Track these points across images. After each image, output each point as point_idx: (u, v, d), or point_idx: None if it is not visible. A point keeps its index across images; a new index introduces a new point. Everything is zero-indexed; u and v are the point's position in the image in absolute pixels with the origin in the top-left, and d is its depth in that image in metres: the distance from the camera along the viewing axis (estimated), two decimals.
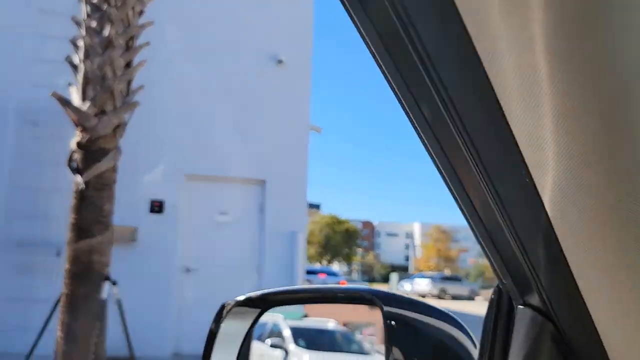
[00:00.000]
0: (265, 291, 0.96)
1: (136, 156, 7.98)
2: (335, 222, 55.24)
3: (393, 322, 0.68)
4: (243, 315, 0.94)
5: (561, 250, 0.41)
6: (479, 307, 26.03)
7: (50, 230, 7.29)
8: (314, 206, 20.05)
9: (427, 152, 0.46)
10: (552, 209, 0.38)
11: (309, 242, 55.94)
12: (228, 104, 8.28)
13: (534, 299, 0.50)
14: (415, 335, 0.71)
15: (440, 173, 0.47)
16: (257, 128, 8.26)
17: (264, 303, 0.95)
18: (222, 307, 0.91)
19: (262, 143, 8.22)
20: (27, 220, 7.37)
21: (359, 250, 69.77)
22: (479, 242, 0.52)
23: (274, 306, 1.00)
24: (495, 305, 0.57)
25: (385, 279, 51.41)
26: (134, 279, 7.66)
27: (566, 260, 0.41)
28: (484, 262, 54.62)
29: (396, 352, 0.67)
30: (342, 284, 19.12)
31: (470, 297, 34.44)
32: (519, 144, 0.36)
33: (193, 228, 8.06)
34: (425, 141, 0.44)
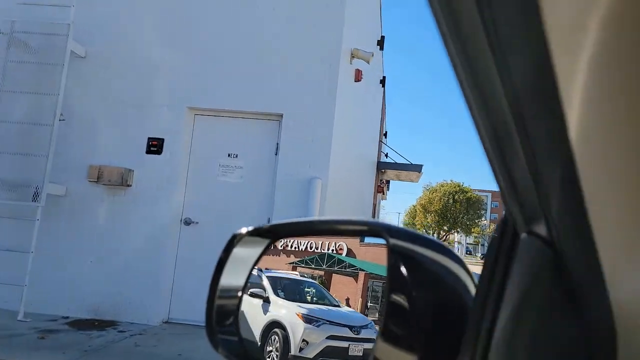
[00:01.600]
0: (275, 222, 0.96)
1: (128, 86, 6.78)
2: (458, 190, 51.92)
3: (397, 254, 0.69)
4: (252, 245, 0.95)
5: (577, 180, 0.40)
6: None
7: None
8: (416, 167, 17.59)
9: (453, 70, 0.42)
10: (576, 135, 0.37)
11: (426, 210, 53.81)
12: (238, 21, 6.73)
13: (540, 228, 0.49)
14: (417, 267, 0.69)
15: (462, 88, 0.43)
16: (275, 51, 6.63)
17: (273, 234, 0.97)
18: (233, 236, 0.91)
19: (280, 69, 6.58)
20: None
21: (485, 222, 65.80)
22: (491, 166, 0.49)
23: (282, 237, 1.02)
24: (499, 233, 0.57)
25: None
26: (126, 231, 6.54)
27: (581, 191, 0.40)
28: None
29: (397, 283, 0.67)
30: None
31: None
32: (552, 51, 0.33)
33: (196, 172, 6.72)
34: (454, 53, 0.40)
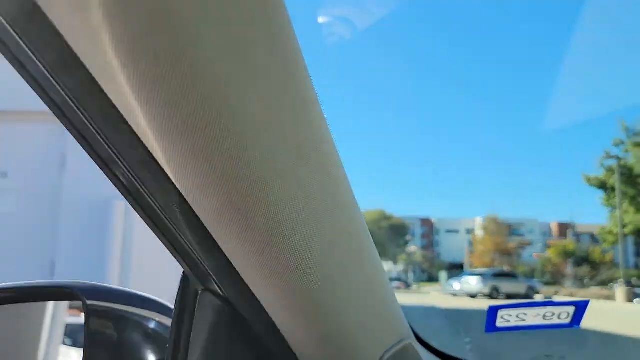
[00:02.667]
0: None
1: None
2: (382, 218, 51.10)
3: (96, 317, 0.65)
4: None
5: (212, 238, 0.45)
6: None
7: None
8: None
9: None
10: (192, 201, 0.42)
11: None
12: None
13: (211, 285, 0.55)
14: (119, 327, 0.67)
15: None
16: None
17: None
18: None
19: None
20: None
21: (414, 249, 65.51)
22: (156, 233, 0.54)
23: None
24: (181, 290, 0.59)
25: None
26: None
27: (219, 247, 0.46)
28: (549, 256, 49.43)
29: (97, 347, 0.63)
30: None
31: (528, 296, 29.72)
32: (141, 138, 0.39)
33: None
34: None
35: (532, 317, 0.76)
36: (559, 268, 42.61)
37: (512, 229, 69.75)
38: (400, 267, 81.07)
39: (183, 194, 0.41)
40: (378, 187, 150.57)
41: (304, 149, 0.41)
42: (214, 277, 0.51)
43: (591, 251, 43.62)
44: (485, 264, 44.89)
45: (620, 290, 24.20)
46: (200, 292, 0.55)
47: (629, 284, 26.22)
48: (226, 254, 0.45)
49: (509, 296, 29.35)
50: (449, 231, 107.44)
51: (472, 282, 30.11)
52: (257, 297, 0.48)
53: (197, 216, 0.42)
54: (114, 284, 4.13)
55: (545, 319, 0.76)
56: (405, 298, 31.47)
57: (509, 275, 31.43)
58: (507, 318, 0.75)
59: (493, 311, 0.75)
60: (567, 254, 43.57)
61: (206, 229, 0.43)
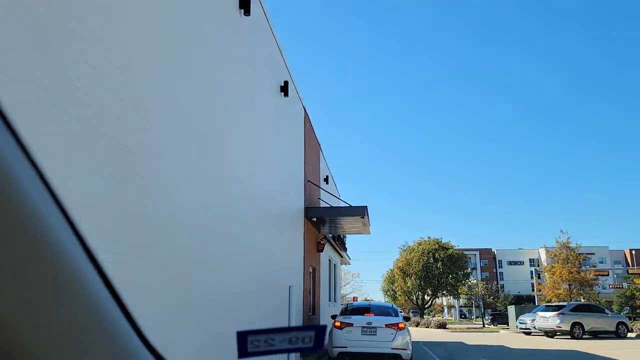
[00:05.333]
0: None
1: None
2: (438, 247, 46.94)
3: None
4: None
5: None
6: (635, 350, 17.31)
7: None
8: (357, 210, 12.22)
9: None
10: None
11: (405, 274, 48.43)
12: None
13: None
14: None
15: None
16: None
17: None
18: None
19: None
20: None
21: (474, 282, 60.35)
22: None
23: None
24: None
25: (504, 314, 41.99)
26: None
27: None
28: (633, 285, 43.62)
29: None
30: (400, 327, 12.01)
31: (619, 334, 24.99)
32: None
33: None
34: None
35: (280, 341, 0.80)
36: None
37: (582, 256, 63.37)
38: (462, 301, 75.65)
39: None
40: (434, 215, 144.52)
41: None
42: None
43: None
44: (558, 297, 39.87)
45: None
46: None
47: None
48: None
49: (594, 334, 24.80)
50: (512, 262, 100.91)
51: (547, 318, 25.69)
52: None
53: None
54: None
55: (291, 343, 0.79)
56: (470, 336, 27.35)
57: (594, 309, 26.49)
58: (256, 343, 0.78)
59: (243, 337, 0.77)
60: None
61: None
